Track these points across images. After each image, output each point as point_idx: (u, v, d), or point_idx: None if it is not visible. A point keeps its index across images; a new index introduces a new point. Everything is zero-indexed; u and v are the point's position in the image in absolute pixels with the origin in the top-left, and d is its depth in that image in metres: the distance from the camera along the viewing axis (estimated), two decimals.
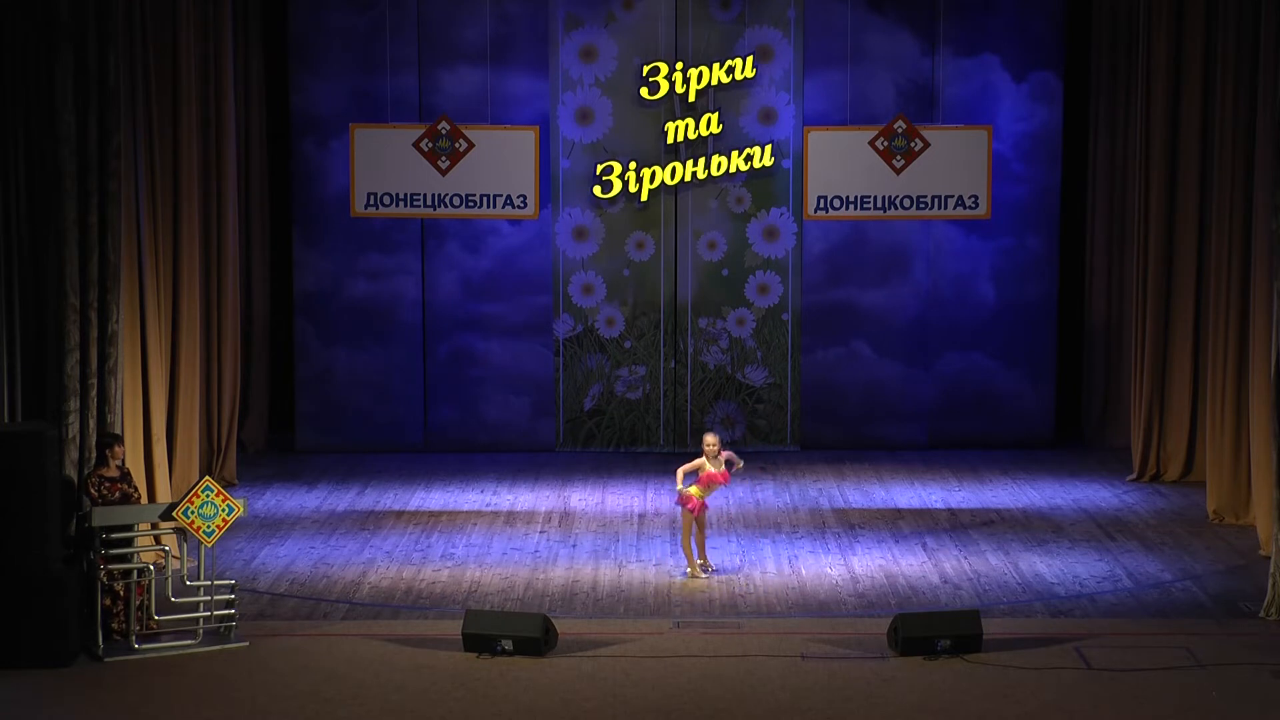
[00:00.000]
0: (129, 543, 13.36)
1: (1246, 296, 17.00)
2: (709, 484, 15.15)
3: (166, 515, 13.44)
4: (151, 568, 13.55)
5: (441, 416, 20.94)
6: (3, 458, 12.96)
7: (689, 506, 15.09)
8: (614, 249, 20.74)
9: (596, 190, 20.57)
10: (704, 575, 15.23)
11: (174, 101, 16.85)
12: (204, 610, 13.51)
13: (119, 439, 14.01)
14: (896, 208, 18.44)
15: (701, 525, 15.28)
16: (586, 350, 20.86)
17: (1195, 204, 18.59)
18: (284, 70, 20.79)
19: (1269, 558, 14.64)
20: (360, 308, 20.79)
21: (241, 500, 13.75)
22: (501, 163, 18.41)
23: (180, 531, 13.51)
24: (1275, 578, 14.11)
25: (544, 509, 18.13)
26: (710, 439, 15.26)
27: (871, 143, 18.34)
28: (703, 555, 15.38)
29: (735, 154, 20.47)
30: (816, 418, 21.01)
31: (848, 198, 18.43)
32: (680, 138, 20.48)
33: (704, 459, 15.18)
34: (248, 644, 13.46)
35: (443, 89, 20.40)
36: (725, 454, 15.29)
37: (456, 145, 18.42)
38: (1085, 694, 12.42)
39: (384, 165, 18.45)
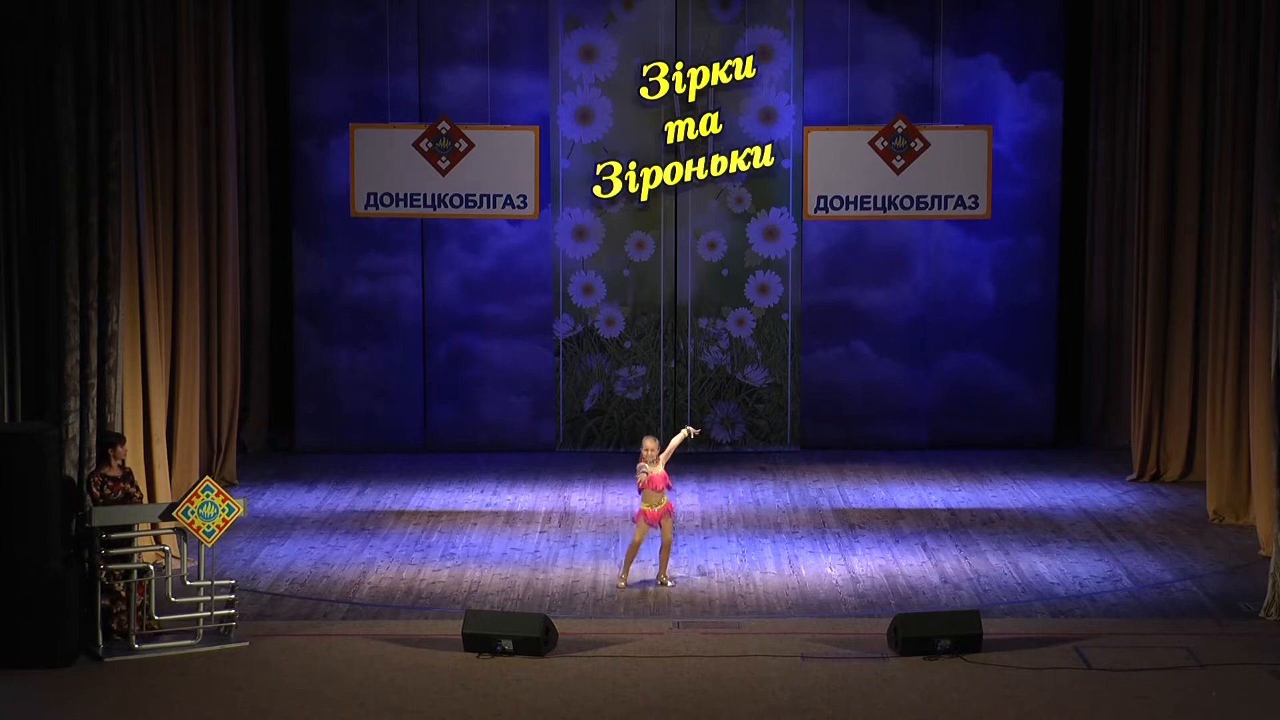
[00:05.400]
0: (129, 543, 13.37)
1: (1246, 296, 17.00)
2: (649, 490, 14.86)
3: (166, 515, 13.45)
4: (152, 568, 13.55)
5: (441, 417, 20.94)
6: (3, 458, 12.96)
7: (645, 519, 14.90)
8: (614, 249, 20.74)
9: (596, 190, 20.58)
10: (666, 586, 15.09)
11: (174, 101, 16.85)
12: (204, 610, 13.51)
13: (121, 438, 14.01)
14: (896, 208, 18.44)
15: (663, 533, 14.98)
16: (586, 350, 20.86)
17: (1195, 204, 18.59)
18: (284, 70, 20.79)
19: (1269, 558, 14.64)
20: (360, 308, 20.79)
21: (241, 500, 13.75)
22: (501, 163, 18.42)
23: (180, 531, 13.51)
24: (1275, 578, 14.12)
25: (544, 509, 18.13)
26: (649, 443, 14.93)
27: (871, 143, 18.35)
28: (663, 569, 15.18)
29: (735, 154, 20.47)
30: (816, 418, 21.01)
31: (848, 198, 18.44)
32: (680, 138, 20.48)
33: (642, 463, 14.87)
34: (248, 644, 13.46)
35: (443, 89, 20.41)
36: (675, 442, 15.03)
37: (456, 145, 18.42)
38: (1085, 694, 12.42)
39: (384, 165, 18.46)
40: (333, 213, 20.49)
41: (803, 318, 20.87)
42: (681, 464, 18.64)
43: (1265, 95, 16.09)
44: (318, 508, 18.12)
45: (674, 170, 20.48)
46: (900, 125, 18.37)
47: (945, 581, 15.30)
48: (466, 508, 18.17)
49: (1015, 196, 20.68)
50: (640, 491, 14.94)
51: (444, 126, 18.44)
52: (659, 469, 14.88)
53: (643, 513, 14.91)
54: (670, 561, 15.41)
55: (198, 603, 13.52)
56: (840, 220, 19.37)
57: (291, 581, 15.33)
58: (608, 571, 15.62)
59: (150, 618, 13.54)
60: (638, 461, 14.95)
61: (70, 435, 14.18)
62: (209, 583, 13.55)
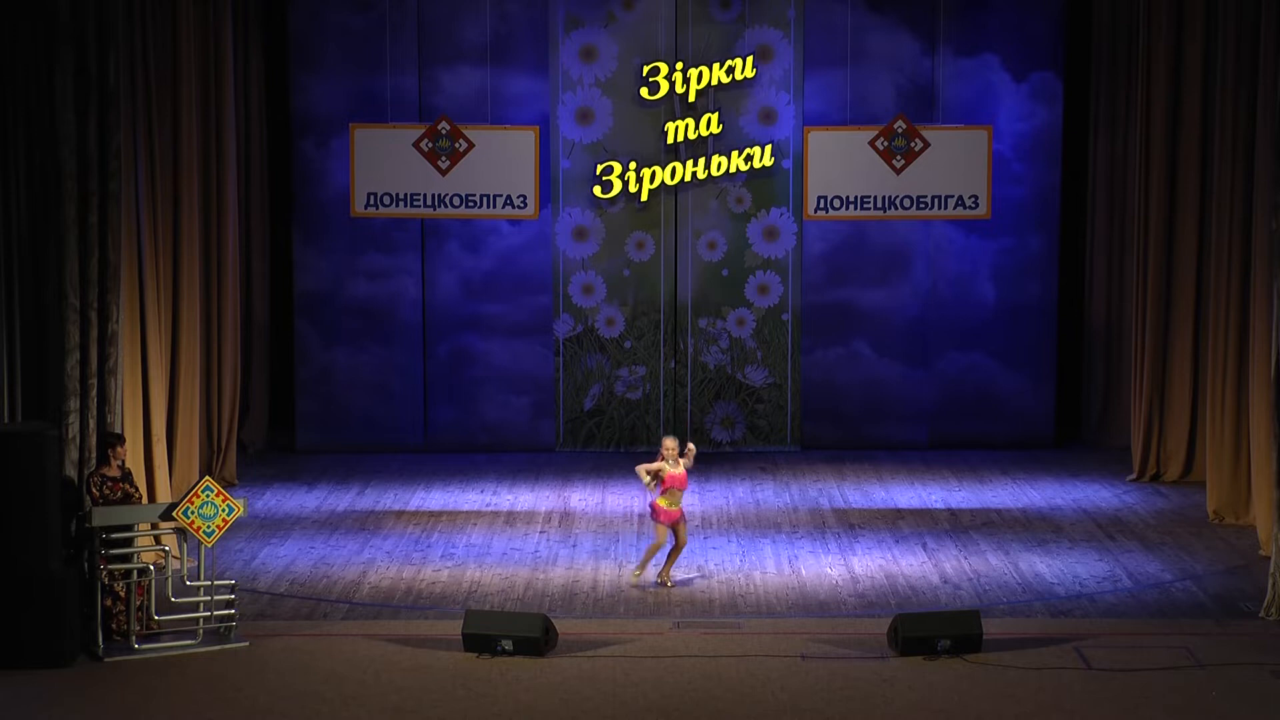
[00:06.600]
0: (129, 543, 13.36)
1: (1246, 296, 17.01)
2: (669, 488, 14.88)
3: (166, 515, 13.44)
4: (151, 568, 13.55)
5: (441, 416, 20.94)
6: (3, 458, 12.96)
7: (660, 519, 14.92)
8: (614, 249, 20.74)
9: (596, 190, 20.58)
10: (666, 586, 15.06)
11: (174, 101, 16.86)
12: (204, 610, 13.52)
13: (121, 438, 14.01)
14: (896, 208, 18.44)
15: (679, 535, 15.02)
16: (586, 350, 20.86)
17: (1195, 204, 18.59)
18: (284, 70, 20.79)
19: (1269, 558, 14.65)
20: (360, 308, 20.79)
21: (241, 500, 13.75)
22: (501, 163, 18.42)
23: (180, 531, 13.51)
24: (1275, 578, 14.12)
25: (544, 509, 18.13)
26: (669, 442, 14.94)
27: (871, 143, 18.35)
28: (668, 569, 15.17)
29: (735, 154, 20.47)
30: (816, 418, 21.01)
31: (848, 198, 18.44)
32: (680, 138, 20.48)
33: (662, 462, 14.88)
34: (248, 644, 13.46)
35: (443, 89, 20.41)
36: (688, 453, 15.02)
37: (456, 145, 18.42)
38: (1085, 694, 12.42)
39: (384, 165, 18.45)
40: (333, 213, 20.49)
41: (803, 318, 20.87)
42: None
43: (1265, 95, 16.09)
44: (318, 508, 18.13)
45: (674, 170, 20.48)
46: (900, 125, 18.37)
47: (945, 581, 15.30)
48: (466, 508, 18.17)
49: (1015, 196, 20.68)
50: (661, 490, 14.95)
51: (444, 126, 18.44)
52: (680, 469, 14.88)
53: (662, 511, 14.90)
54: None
55: (198, 603, 13.52)
56: (840, 220, 19.37)
57: (291, 581, 15.33)
58: (608, 571, 15.62)
59: (150, 618, 13.54)
60: (657, 458, 14.96)
61: (70, 435, 14.18)
62: (209, 583, 13.56)
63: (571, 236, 20.69)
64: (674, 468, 14.89)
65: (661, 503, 14.91)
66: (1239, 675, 12.79)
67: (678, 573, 15.37)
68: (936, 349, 20.97)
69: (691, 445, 15.11)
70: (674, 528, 14.95)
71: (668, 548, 15.15)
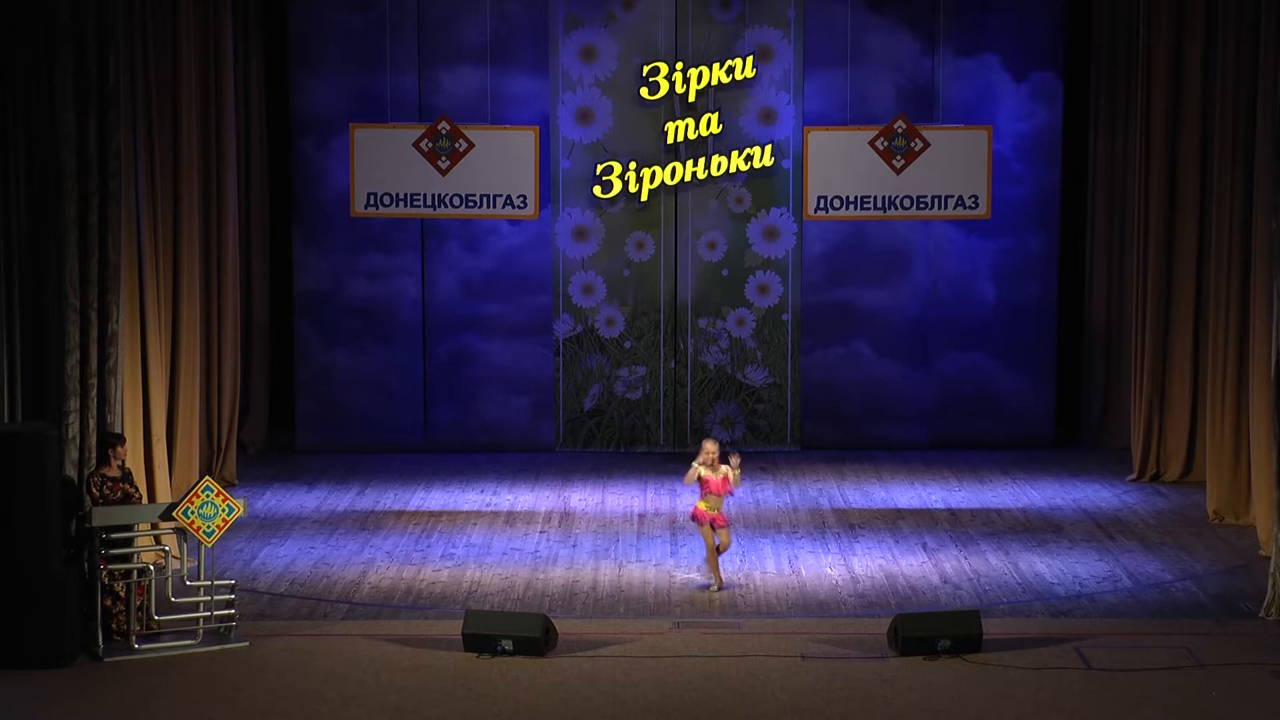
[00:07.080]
0: (129, 543, 13.36)
1: (1246, 296, 17.01)
2: (708, 493, 14.89)
3: (166, 515, 13.45)
4: (151, 568, 13.55)
5: (441, 416, 20.94)
6: (3, 458, 12.96)
7: (697, 519, 14.93)
8: (614, 249, 20.73)
9: (596, 190, 20.58)
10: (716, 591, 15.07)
11: (174, 101, 16.86)
12: (204, 610, 13.52)
13: (121, 438, 14.01)
14: (896, 208, 18.44)
15: (722, 539, 14.95)
16: (586, 350, 20.86)
17: (1195, 204, 18.60)
18: (284, 70, 20.79)
19: (1269, 558, 14.65)
20: (360, 308, 20.79)
21: (241, 500, 13.75)
22: (501, 163, 18.42)
23: (180, 531, 13.51)
24: (1275, 578, 14.12)
25: (544, 509, 18.13)
26: (709, 446, 14.90)
27: (871, 143, 18.35)
28: (715, 573, 15.09)
29: (735, 154, 20.47)
30: (816, 418, 21.00)
31: (848, 198, 18.44)
32: (680, 138, 20.48)
33: (700, 466, 14.86)
34: (248, 644, 13.46)
35: (443, 89, 20.41)
36: (727, 465, 14.94)
37: (456, 145, 18.42)
38: (1085, 694, 12.43)
39: (384, 165, 18.45)
40: (333, 213, 20.49)
41: (803, 318, 20.87)
42: (682, 464, 18.63)
43: (1265, 95, 16.09)
44: (318, 508, 18.12)
45: (674, 170, 20.48)
46: (900, 125, 18.37)
47: (945, 581, 15.30)
48: (466, 508, 18.17)
49: (1015, 196, 20.68)
50: (703, 495, 14.92)
51: (444, 126, 18.44)
52: (719, 474, 14.83)
53: (699, 512, 14.87)
54: (670, 561, 15.46)
55: (198, 603, 13.52)
56: (840, 220, 19.37)
57: (291, 581, 15.33)
58: (608, 571, 15.62)
59: (150, 618, 13.54)
60: (699, 458, 14.90)
61: (70, 435, 14.18)
62: (209, 583, 13.56)
63: (571, 236, 20.69)
64: (711, 473, 14.82)
65: (701, 505, 14.89)
66: (1239, 675, 12.79)
67: (677, 572, 15.36)
68: (936, 349, 20.97)
69: (736, 456, 15.02)
70: (714, 530, 14.88)
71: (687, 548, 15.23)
